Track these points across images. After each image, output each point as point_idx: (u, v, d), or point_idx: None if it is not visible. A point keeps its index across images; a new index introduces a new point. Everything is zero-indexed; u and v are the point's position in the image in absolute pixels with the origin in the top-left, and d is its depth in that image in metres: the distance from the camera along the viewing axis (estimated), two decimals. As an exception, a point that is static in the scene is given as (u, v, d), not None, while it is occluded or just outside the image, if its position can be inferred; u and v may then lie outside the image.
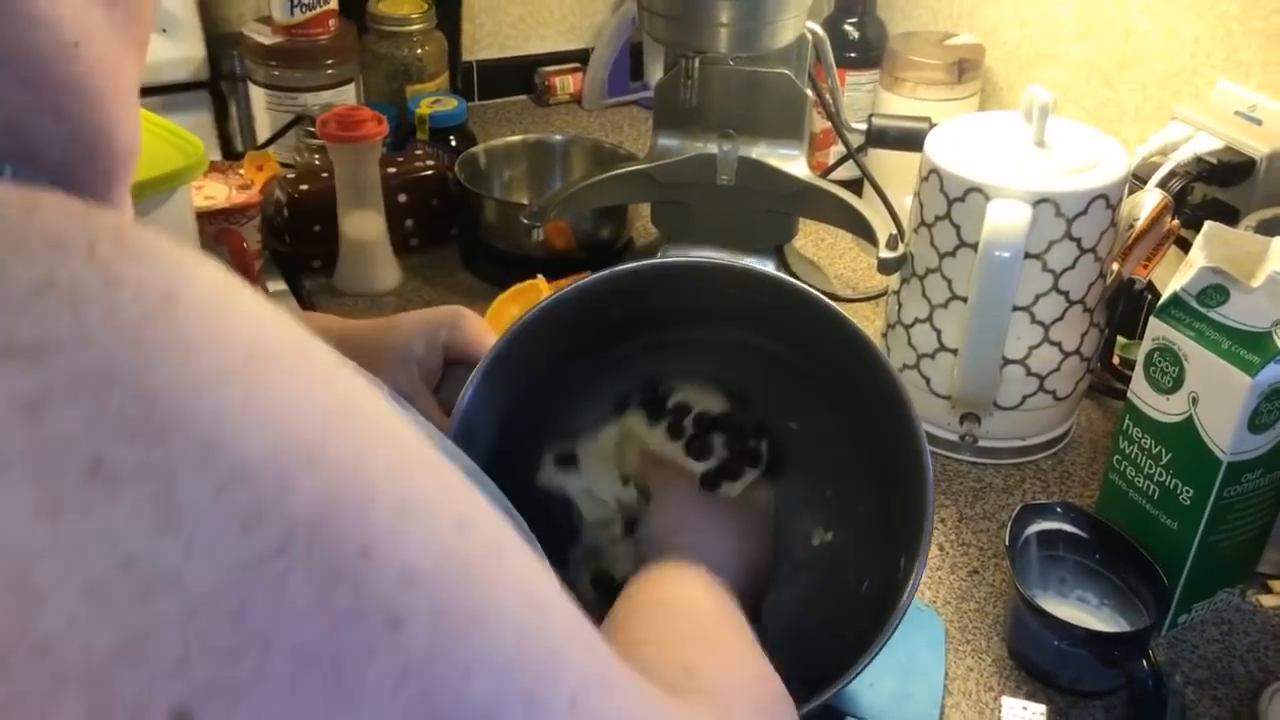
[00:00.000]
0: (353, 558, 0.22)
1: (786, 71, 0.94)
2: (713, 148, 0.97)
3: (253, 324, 0.23)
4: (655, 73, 1.47)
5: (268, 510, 0.21)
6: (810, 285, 0.62)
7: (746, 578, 0.61)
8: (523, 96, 1.51)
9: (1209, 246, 0.68)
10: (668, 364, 0.71)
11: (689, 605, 0.52)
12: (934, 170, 0.82)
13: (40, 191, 0.23)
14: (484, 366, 0.61)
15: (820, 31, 0.94)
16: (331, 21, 1.22)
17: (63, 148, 0.29)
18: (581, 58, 1.51)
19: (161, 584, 0.20)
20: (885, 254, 0.87)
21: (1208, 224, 0.69)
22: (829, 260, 1.14)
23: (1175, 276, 0.69)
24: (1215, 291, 0.67)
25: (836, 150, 1.21)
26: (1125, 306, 0.86)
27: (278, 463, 0.21)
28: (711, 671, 0.43)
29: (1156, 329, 0.69)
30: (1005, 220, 0.76)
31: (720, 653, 0.47)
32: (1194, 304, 0.68)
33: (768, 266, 1.03)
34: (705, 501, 0.67)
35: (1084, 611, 0.73)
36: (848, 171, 1.12)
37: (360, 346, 0.66)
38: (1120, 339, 0.92)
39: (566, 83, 1.49)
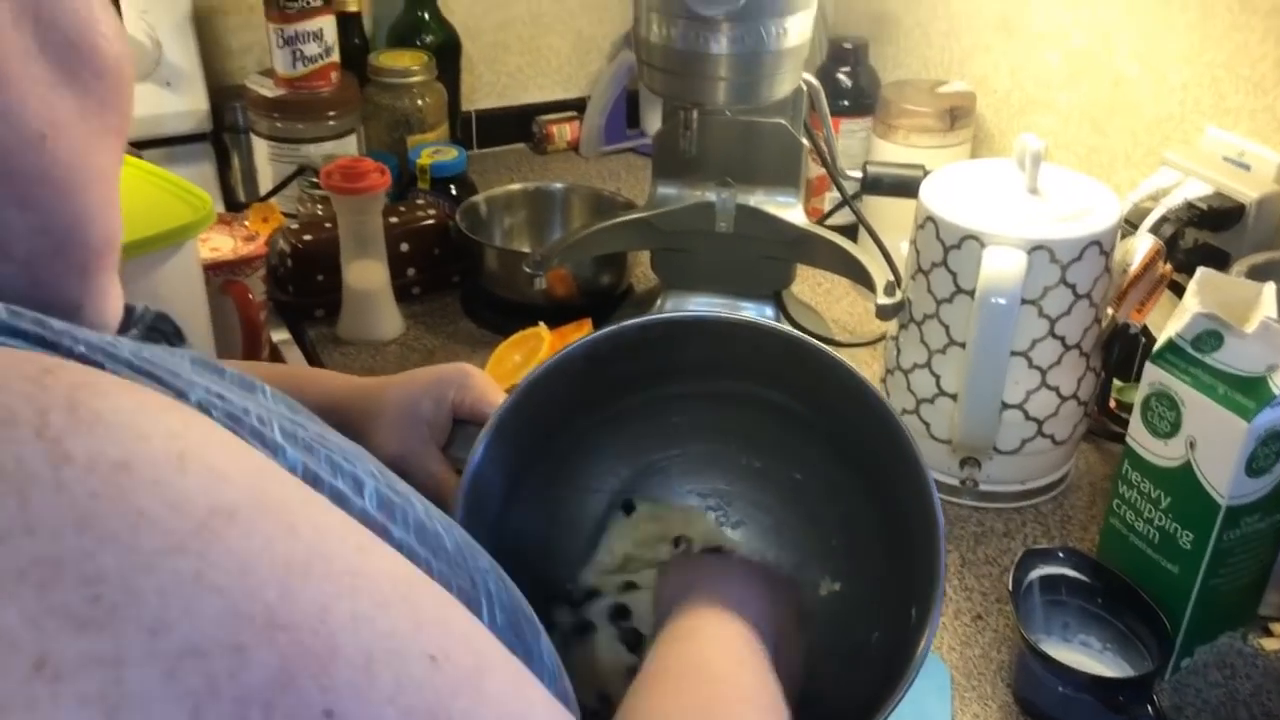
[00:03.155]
0: None
1: (783, 121, 0.96)
2: (711, 196, 0.99)
3: (211, 481, 0.23)
4: (652, 120, 1.49)
5: (220, 688, 0.20)
6: (812, 334, 0.63)
7: (772, 626, 0.60)
8: (520, 145, 1.53)
9: (1202, 293, 0.69)
10: (673, 417, 0.71)
11: (717, 671, 0.51)
12: (930, 218, 0.83)
13: None
14: (493, 424, 0.61)
15: (815, 82, 0.95)
16: (333, 74, 1.24)
17: (30, 240, 0.28)
18: (578, 106, 1.53)
19: None
20: (883, 300, 0.88)
21: (1200, 270, 0.71)
22: (826, 305, 1.15)
23: (1170, 322, 0.70)
24: (1210, 337, 0.68)
25: (831, 197, 1.23)
26: (1120, 350, 0.87)
27: (231, 635, 0.21)
28: None
29: (1153, 374, 0.70)
30: (1001, 267, 0.77)
31: None
32: (1189, 350, 0.69)
33: (767, 313, 1.05)
34: (719, 557, 0.68)
35: (1087, 656, 0.73)
36: (842, 217, 1.14)
37: (367, 407, 0.66)
38: (1116, 382, 0.93)
39: (564, 131, 1.51)
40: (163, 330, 0.38)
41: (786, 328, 0.64)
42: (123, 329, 0.36)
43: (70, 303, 0.30)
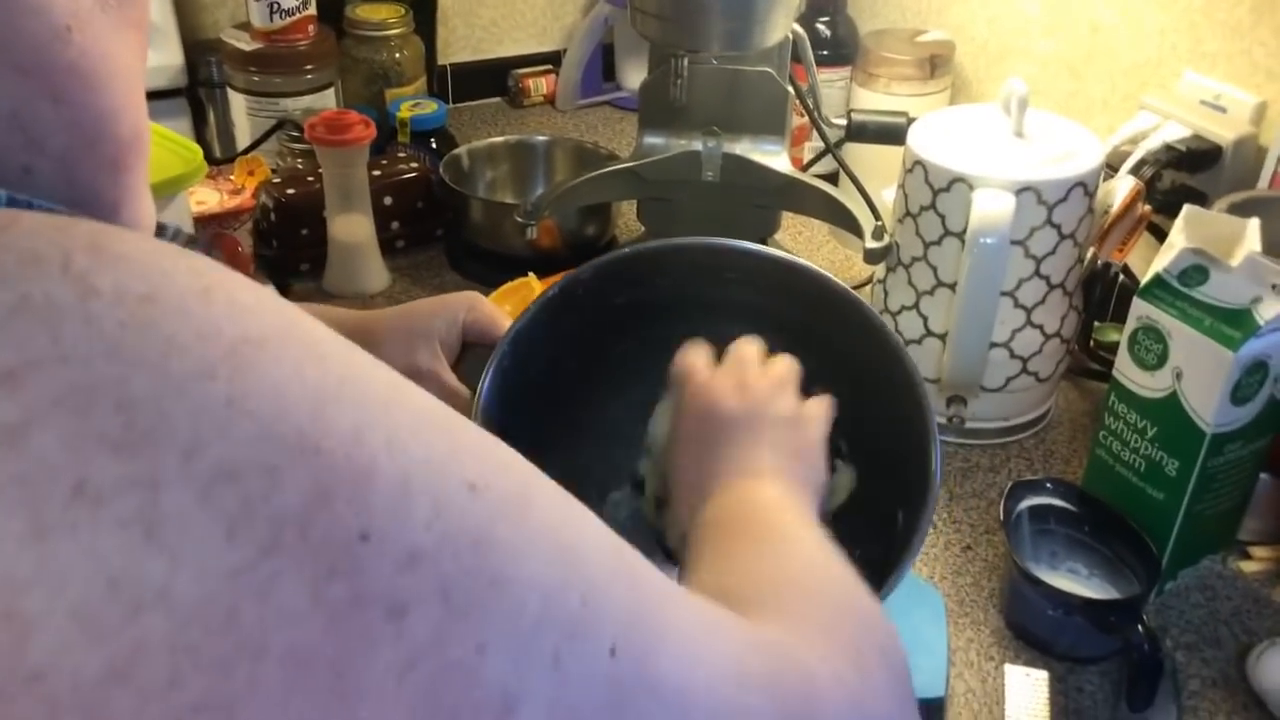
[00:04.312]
0: (349, 546, 0.21)
1: (769, 70, 0.97)
2: (697, 145, 0.99)
3: (237, 312, 0.23)
4: (628, 73, 1.50)
5: (255, 510, 0.20)
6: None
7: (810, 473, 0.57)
8: (497, 99, 1.53)
9: (1189, 229, 0.71)
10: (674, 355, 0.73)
11: (778, 531, 0.48)
12: (918, 162, 0.85)
13: (16, 211, 0.23)
14: (507, 340, 0.62)
15: (800, 31, 0.96)
16: (310, 27, 1.23)
17: (65, 134, 0.28)
18: (554, 59, 1.53)
19: (149, 601, 0.19)
20: (871, 244, 0.89)
21: (1187, 207, 0.73)
22: (808, 252, 1.17)
23: (1157, 258, 0.72)
24: (1196, 271, 0.70)
25: (811, 146, 1.24)
26: (1101, 290, 0.89)
27: (264, 457, 0.21)
28: (792, 595, 0.40)
29: (1140, 309, 0.72)
30: (991, 208, 0.79)
31: (806, 577, 0.43)
32: (1176, 284, 0.71)
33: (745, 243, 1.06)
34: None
35: (1075, 582, 0.76)
36: (822, 166, 1.15)
37: (379, 332, 0.68)
38: (1095, 321, 0.96)
39: (540, 84, 1.51)
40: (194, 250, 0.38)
41: (793, 256, 0.65)
42: None
43: (108, 202, 0.30)
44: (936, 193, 0.84)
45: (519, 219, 0.96)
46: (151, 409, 0.20)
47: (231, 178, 1.00)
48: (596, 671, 0.25)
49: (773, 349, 0.70)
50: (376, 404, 0.24)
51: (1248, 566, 0.79)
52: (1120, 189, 0.87)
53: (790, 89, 0.99)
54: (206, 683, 0.19)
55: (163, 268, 0.23)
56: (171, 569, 0.20)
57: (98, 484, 0.20)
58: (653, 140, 1.02)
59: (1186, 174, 0.93)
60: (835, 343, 0.66)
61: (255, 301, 0.24)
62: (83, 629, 0.19)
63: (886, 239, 0.89)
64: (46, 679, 0.19)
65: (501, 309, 1.02)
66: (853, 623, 0.39)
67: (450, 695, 0.22)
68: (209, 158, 1.29)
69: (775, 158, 1.00)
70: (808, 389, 0.71)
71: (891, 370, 0.63)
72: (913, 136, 0.87)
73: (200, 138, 1.30)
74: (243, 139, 1.25)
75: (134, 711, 0.19)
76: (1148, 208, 0.89)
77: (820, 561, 0.45)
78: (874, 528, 0.63)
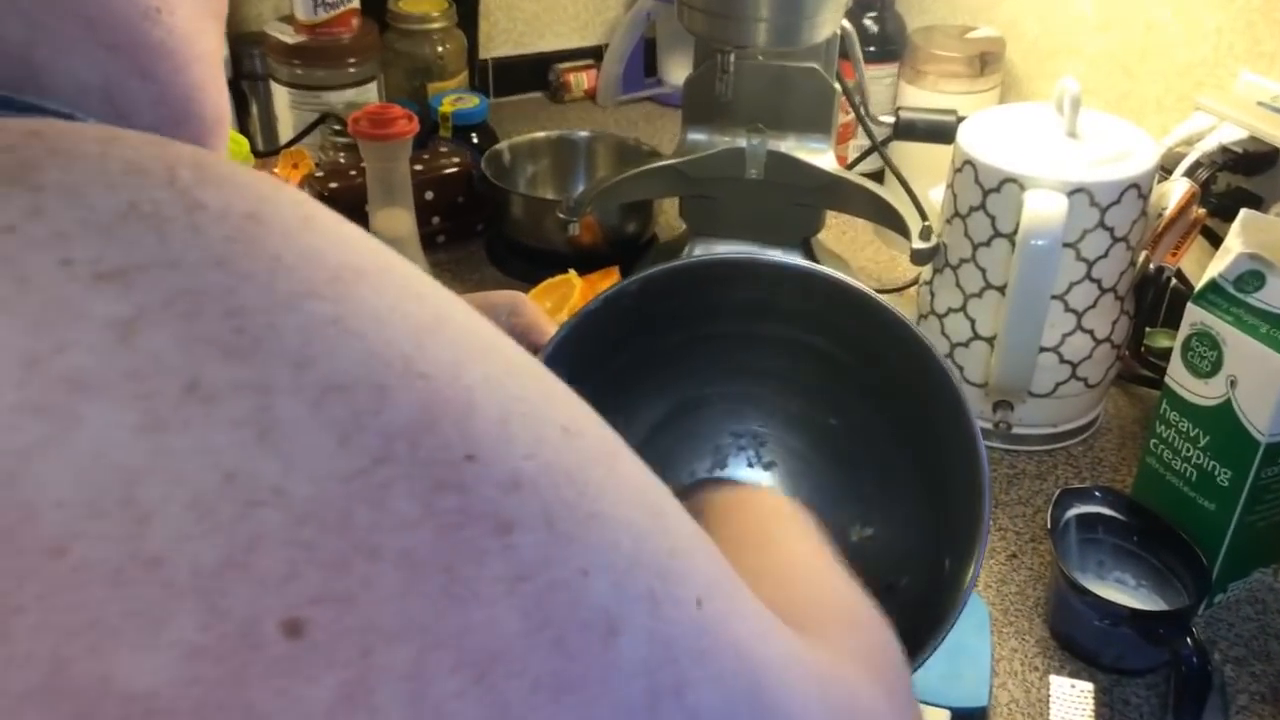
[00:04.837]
0: (456, 465, 0.22)
1: (815, 66, 0.96)
2: (741, 142, 0.98)
3: (337, 242, 0.23)
4: (671, 68, 1.49)
5: (365, 422, 0.21)
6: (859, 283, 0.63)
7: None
8: (537, 94, 1.52)
9: (1245, 233, 0.70)
10: (714, 357, 0.72)
11: (792, 547, 0.49)
12: (968, 161, 0.83)
13: (119, 129, 0.23)
14: (549, 351, 0.62)
15: (849, 26, 0.95)
16: (354, 20, 1.23)
17: (153, 110, 0.29)
18: (596, 54, 1.52)
19: (264, 497, 0.20)
20: (919, 245, 0.88)
21: (1244, 211, 0.71)
22: (852, 253, 1.16)
23: (1212, 263, 0.71)
24: (1252, 277, 0.68)
25: (855, 144, 1.23)
26: (1154, 295, 0.88)
27: (372, 376, 0.21)
28: (822, 618, 0.40)
29: (1194, 314, 0.71)
30: (1043, 210, 0.77)
31: (830, 599, 0.44)
32: (1231, 290, 0.69)
33: (795, 259, 1.05)
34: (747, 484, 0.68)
35: (1122, 593, 0.74)
36: (866, 165, 1.14)
37: None
38: (1145, 328, 0.94)
39: (581, 79, 1.50)
40: None
41: (841, 275, 0.64)
42: None
43: None
44: (987, 193, 0.82)
45: (560, 215, 0.96)
46: (261, 320, 0.21)
47: (275, 170, 1.00)
48: (686, 617, 0.25)
49: (813, 355, 0.69)
50: (473, 343, 0.24)
51: (1302, 580, 0.77)
52: (1174, 191, 0.85)
53: (838, 86, 0.97)
54: (323, 578, 0.20)
55: (264, 193, 0.23)
56: (285, 470, 0.20)
57: (210, 384, 0.20)
58: (696, 137, 1.01)
59: (1242, 177, 0.91)
60: (887, 376, 0.66)
61: (354, 234, 0.24)
62: (199, 520, 0.19)
63: (934, 240, 0.88)
64: (165, 565, 0.19)
65: (542, 305, 1.03)
66: (880, 654, 0.40)
67: (559, 611, 0.22)
68: (251, 151, 1.30)
69: (821, 155, 0.99)
70: (847, 411, 0.70)
71: (940, 399, 0.61)
72: (962, 135, 0.86)
73: (243, 130, 1.31)
74: (285, 132, 1.25)
75: (251, 601, 0.19)
76: (1202, 211, 0.87)
77: (822, 575, 0.46)
78: (922, 560, 0.62)
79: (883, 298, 0.62)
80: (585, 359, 0.66)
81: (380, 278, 0.23)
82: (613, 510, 0.25)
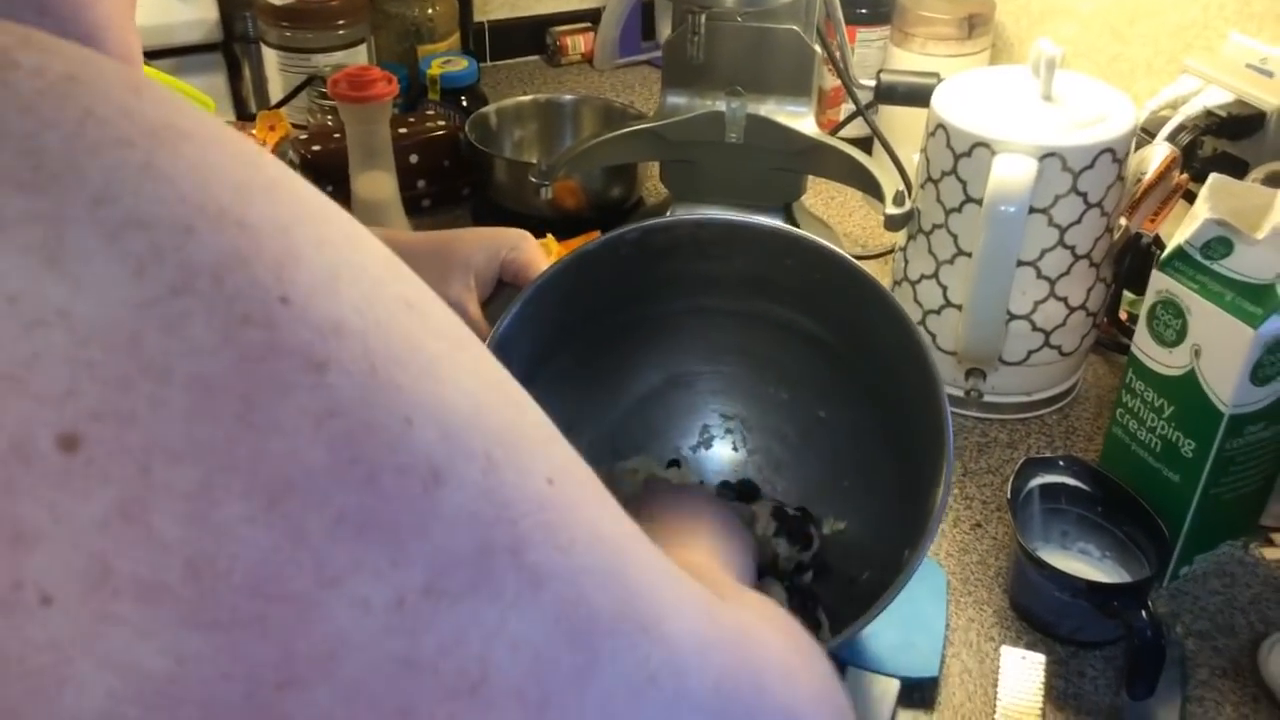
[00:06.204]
0: (266, 304, 0.22)
1: (795, 28, 0.94)
2: (721, 105, 0.97)
3: (166, 108, 0.23)
4: (666, 31, 1.47)
5: (165, 255, 0.21)
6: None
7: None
8: (534, 57, 1.51)
9: (1214, 199, 0.68)
10: (712, 333, 0.71)
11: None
12: (940, 125, 0.82)
13: None
14: (535, 286, 0.61)
15: (828, -14, 0.93)
16: (342, -18, 1.22)
17: None
18: (593, 17, 1.50)
19: (48, 319, 0.20)
20: (891, 210, 0.86)
21: (1213, 176, 0.69)
22: (838, 219, 1.14)
23: (1179, 229, 0.69)
24: (1219, 244, 0.67)
25: (846, 108, 1.21)
26: (1132, 261, 0.86)
27: (180, 216, 0.21)
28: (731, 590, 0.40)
29: (1160, 282, 0.69)
30: (1010, 174, 0.76)
31: (736, 588, 0.43)
32: (1198, 257, 0.68)
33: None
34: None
35: (1086, 564, 0.73)
36: (858, 129, 1.12)
37: (423, 254, 0.67)
38: (1127, 294, 0.92)
39: (578, 42, 1.49)
40: None
41: (839, 251, 0.62)
42: None
43: None
44: (958, 157, 0.81)
45: (533, 179, 0.95)
46: (61, 159, 0.21)
47: (253, 132, 1.00)
48: (531, 487, 0.25)
49: (812, 344, 0.68)
50: (312, 212, 0.24)
51: (1269, 553, 0.75)
52: (1155, 156, 0.83)
53: (818, 48, 0.96)
54: (104, 395, 0.20)
55: (91, 60, 0.23)
56: (72, 294, 0.20)
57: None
58: (675, 100, 1.00)
59: (1228, 141, 0.89)
60: (877, 368, 0.65)
61: (190, 108, 0.24)
62: None
63: (907, 205, 0.87)
64: None
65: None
66: (788, 622, 0.38)
67: (373, 450, 0.22)
68: (243, 113, 1.30)
69: (801, 119, 0.98)
70: (837, 405, 0.70)
71: (923, 392, 0.60)
72: (937, 98, 0.84)
73: (235, 93, 1.31)
74: (276, 94, 1.25)
75: (25, 416, 0.20)
76: (1184, 176, 0.85)
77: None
78: (885, 554, 0.61)
79: (863, 266, 0.61)
80: (579, 305, 0.65)
81: (208, 141, 0.23)
82: (451, 376, 0.24)
